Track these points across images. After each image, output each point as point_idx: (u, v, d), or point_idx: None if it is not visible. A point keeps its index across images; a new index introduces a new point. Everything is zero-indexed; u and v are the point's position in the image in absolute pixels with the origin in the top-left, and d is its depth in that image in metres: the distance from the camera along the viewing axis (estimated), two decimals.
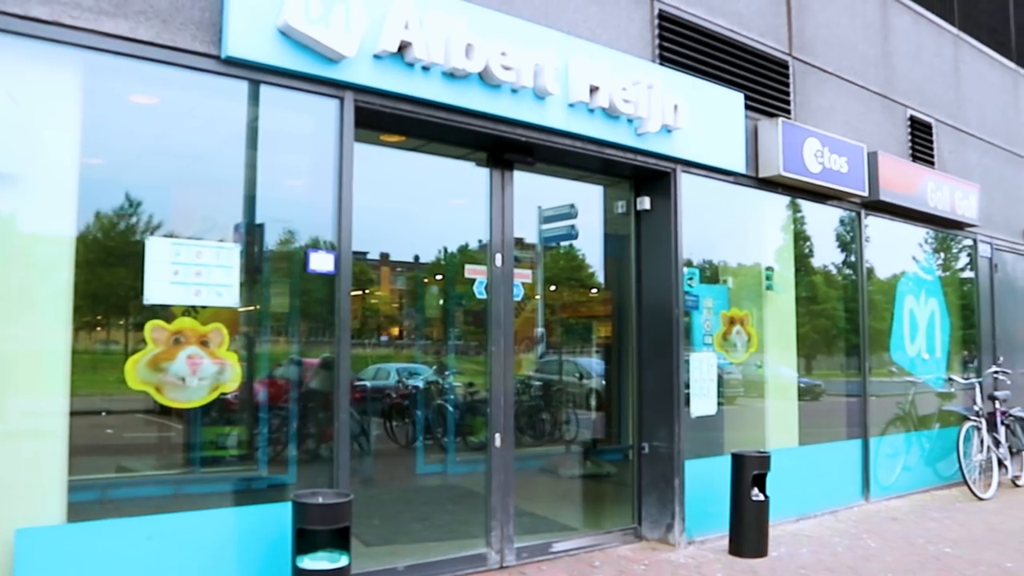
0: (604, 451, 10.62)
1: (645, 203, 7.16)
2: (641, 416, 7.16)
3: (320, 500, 4.53)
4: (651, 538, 6.97)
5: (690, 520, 6.88)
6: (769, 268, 8.15)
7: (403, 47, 5.27)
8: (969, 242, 11.00)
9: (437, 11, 5.39)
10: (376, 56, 5.21)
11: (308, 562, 4.44)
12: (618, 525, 7.14)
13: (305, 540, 4.49)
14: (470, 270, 6.46)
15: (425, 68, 5.43)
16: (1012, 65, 12.53)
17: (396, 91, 5.35)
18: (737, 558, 6.51)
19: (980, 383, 10.17)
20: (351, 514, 4.64)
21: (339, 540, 4.56)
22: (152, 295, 4.45)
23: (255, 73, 4.85)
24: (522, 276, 6.75)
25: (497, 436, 6.23)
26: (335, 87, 5.15)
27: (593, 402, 10.22)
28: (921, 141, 10.20)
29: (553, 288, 14.57)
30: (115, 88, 4.61)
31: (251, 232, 4.97)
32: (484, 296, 6.33)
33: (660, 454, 6.94)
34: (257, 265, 4.99)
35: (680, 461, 6.83)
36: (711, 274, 7.65)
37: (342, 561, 4.50)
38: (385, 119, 5.58)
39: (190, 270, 4.57)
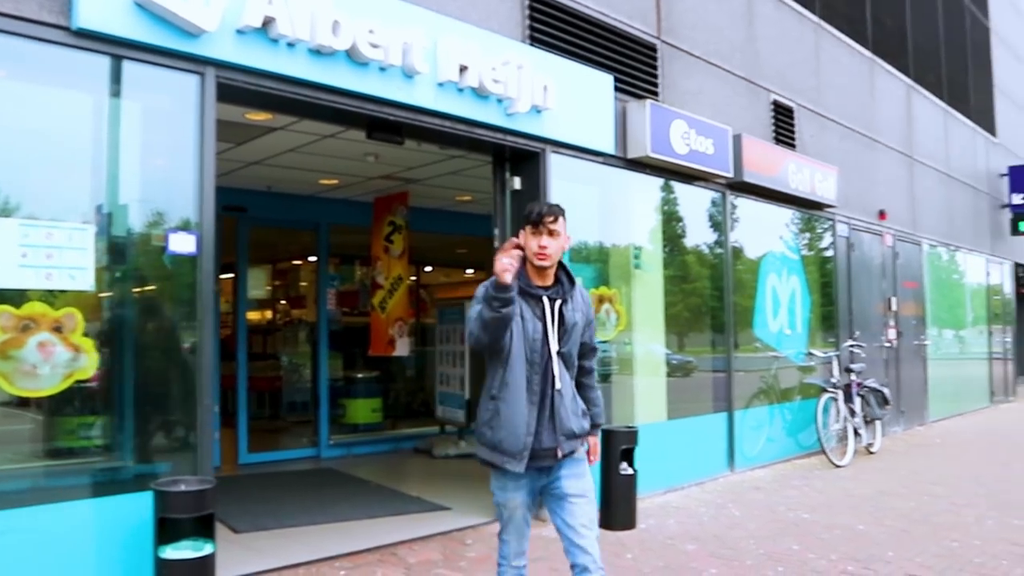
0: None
1: (516, 183, 7.19)
2: None
3: (182, 488, 4.42)
4: None
5: None
6: (638, 247, 8.32)
7: (267, 22, 5.14)
8: (828, 222, 11.48)
9: None
10: (239, 31, 5.06)
11: (171, 552, 4.33)
12: (490, 503, 7.17)
13: (168, 529, 4.37)
14: None
15: (290, 44, 5.31)
16: (868, 54, 13.09)
17: (260, 68, 5.22)
18: (607, 531, 6.65)
19: (837, 356, 10.67)
20: (215, 501, 4.54)
21: (203, 528, 4.46)
22: None
23: (110, 46, 4.64)
24: None
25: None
26: (196, 62, 4.98)
27: (467, 383, 10.30)
28: (784, 125, 10.57)
29: (429, 269, 14.56)
30: None
31: (108, 213, 4.77)
32: None
33: None
34: (115, 247, 4.78)
35: None
36: (583, 254, 7.75)
37: (206, 549, 4.41)
38: (249, 96, 5.44)
39: (40, 252, 4.35)
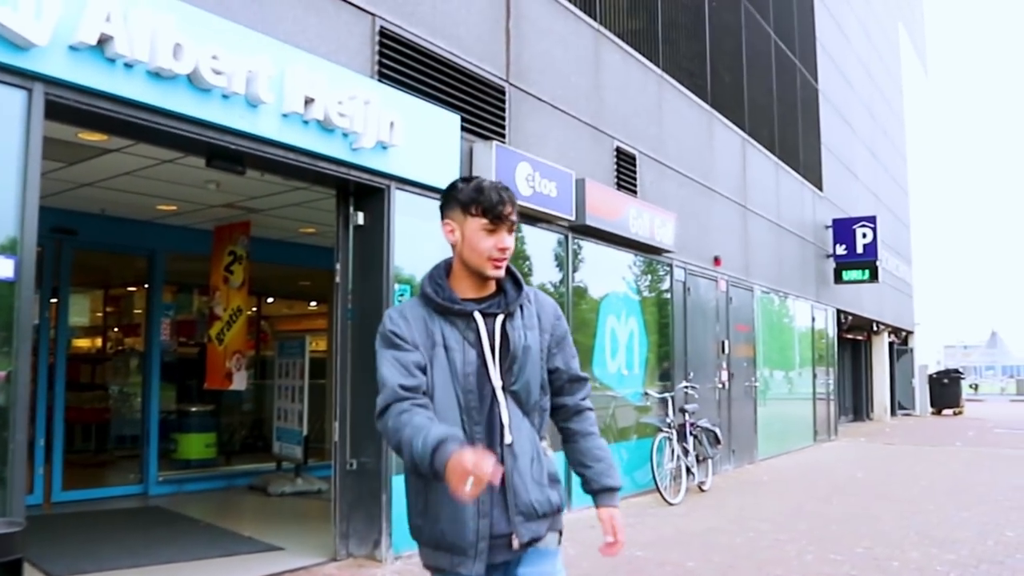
0: (315, 467, 10.49)
1: (360, 218, 7.14)
2: (351, 432, 7.08)
3: None
4: (359, 555, 6.93)
5: (397, 536, 6.91)
6: None
7: (103, 40, 4.93)
8: (667, 267, 11.89)
9: (144, 6, 5.10)
10: (72, 47, 4.84)
11: None
12: (326, 543, 7.05)
13: None
14: None
15: (128, 65, 5.11)
16: (707, 107, 13.72)
17: (94, 87, 4.99)
18: None
19: (672, 397, 11.01)
20: (25, 544, 4.27)
21: (10, 574, 4.18)
22: None
23: None
24: None
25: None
26: (23, 77, 4.72)
27: (306, 418, 10.09)
28: (626, 171, 10.91)
29: (271, 300, 14.24)
30: None
31: None
32: None
33: (368, 470, 6.92)
34: None
35: (387, 477, 6.84)
36: None
37: None
38: (82, 115, 5.19)
39: None
